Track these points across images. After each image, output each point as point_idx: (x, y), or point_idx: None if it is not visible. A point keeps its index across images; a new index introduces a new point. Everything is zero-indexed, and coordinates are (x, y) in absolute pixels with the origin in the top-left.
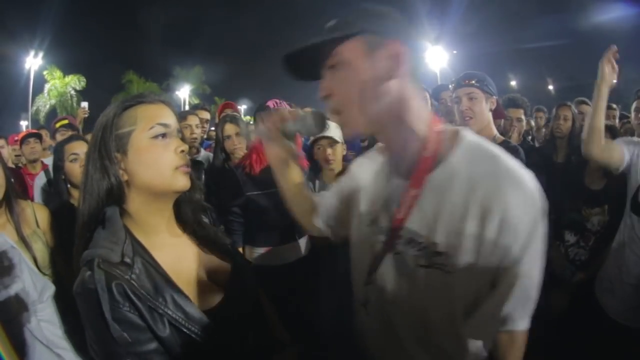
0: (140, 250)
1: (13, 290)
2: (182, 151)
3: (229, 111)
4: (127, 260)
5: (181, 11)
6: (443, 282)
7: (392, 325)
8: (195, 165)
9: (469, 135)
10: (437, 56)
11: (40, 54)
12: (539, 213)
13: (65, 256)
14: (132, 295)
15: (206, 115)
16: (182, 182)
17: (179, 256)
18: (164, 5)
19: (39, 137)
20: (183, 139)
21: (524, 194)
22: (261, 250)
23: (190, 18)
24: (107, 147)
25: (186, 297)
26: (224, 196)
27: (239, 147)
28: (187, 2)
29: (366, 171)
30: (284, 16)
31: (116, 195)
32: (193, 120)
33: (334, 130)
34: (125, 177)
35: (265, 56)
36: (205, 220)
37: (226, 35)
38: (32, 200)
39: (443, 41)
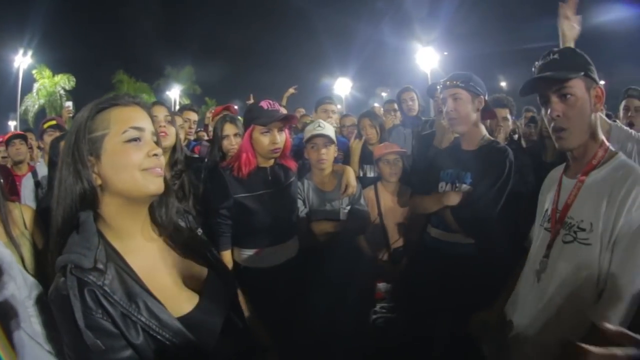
0: (113, 255)
1: (9, 290)
2: (155, 155)
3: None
4: (100, 266)
5: (173, 11)
6: (583, 254)
7: (550, 293)
8: (194, 162)
9: (621, 155)
10: (428, 57)
11: (30, 53)
12: None
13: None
14: (104, 302)
15: (193, 116)
16: (155, 186)
17: (154, 261)
18: (155, 4)
19: (24, 138)
20: (157, 143)
21: None
22: (249, 252)
23: (181, 18)
24: (80, 150)
25: (160, 303)
26: (212, 198)
27: (236, 148)
28: (178, 2)
29: (547, 184)
30: (276, 19)
31: (90, 200)
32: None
33: (329, 129)
34: (99, 182)
35: (257, 58)
36: (182, 224)
37: (218, 36)
38: (20, 201)
39: (434, 42)
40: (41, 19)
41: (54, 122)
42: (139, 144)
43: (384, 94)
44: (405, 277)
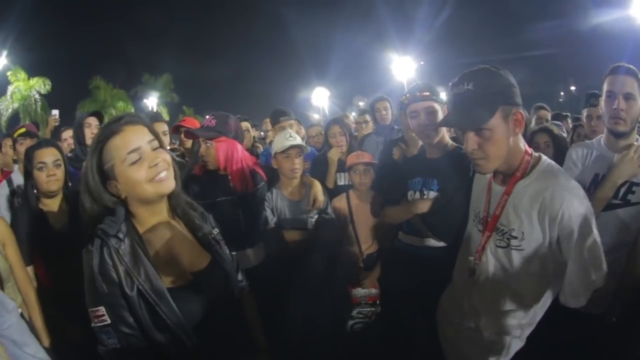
0: (132, 231)
1: None
2: (156, 164)
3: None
4: (120, 235)
5: (152, 17)
6: (516, 259)
7: (485, 292)
8: None
9: (545, 160)
10: (404, 67)
11: (4, 53)
12: (589, 210)
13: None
14: (115, 259)
15: (163, 127)
16: (165, 188)
17: (163, 239)
18: (134, 9)
19: None
20: (161, 144)
21: (576, 196)
22: None
23: (160, 26)
24: (98, 176)
25: (156, 272)
26: None
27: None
28: (157, 8)
29: (478, 182)
30: (255, 29)
31: (120, 203)
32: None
33: (299, 139)
34: (124, 195)
35: (234, 68)
36: (195, 215)
37: (196, 45)
38: None
39: (411, 52)
40: (16, 19)
41: (23, 130)
42: (140, 162)
43: (361, 103)
44: (380, 282)
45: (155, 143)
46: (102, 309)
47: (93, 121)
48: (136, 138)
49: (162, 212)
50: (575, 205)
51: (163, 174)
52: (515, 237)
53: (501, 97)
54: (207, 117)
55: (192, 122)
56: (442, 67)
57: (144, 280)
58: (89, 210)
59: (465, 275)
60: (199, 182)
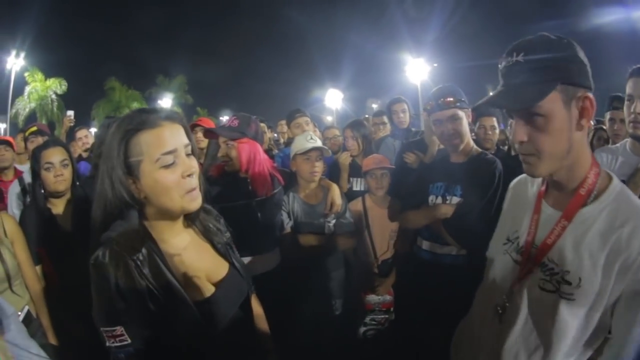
0: (149, 241)
1: None
2: (190, 175)
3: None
4: (137, 245)
5: (166, 21)
6: (561, 307)
7: (513, 339)
8: None
9: (617, 182)
10: (418, 69)
11: (22, 54)
12: None
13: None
14: (134, 273)
15: None
16: (194, 205)
17: (183, 251)
18: (150, 11)
19: (9, 144)
20: (193, 152)
21: None
22: None
23: (175, 28)
24: (118, 171)
25: (179, 285)
26: None
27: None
28: (173, 10)
29: (518, 195)
30: (269, 31)
31: (134, 205)
32: None
33: (320, 142)
34: (143, 195)
35: (248, 69)
36: (211, 220)
37: (210, 47)
38: (6, 208)
39: (424, 54)
40: (34, 21)
41: (34, 128)
42: (173, 167)
43: (374, 106)
44: (395, 289)
45: (189, 148)
46: (120, 329)
47: None
48: (174, 139)
49: (178, 219)
50: None
51: (195, 189)
52: (569, 283)
53: (561, 72)
54: (230, 117)
55: (208, 122)
56: (455, 70)
57: (167, 296)
58: (105, 208)
59: (490, 313)
60: (217, 184)
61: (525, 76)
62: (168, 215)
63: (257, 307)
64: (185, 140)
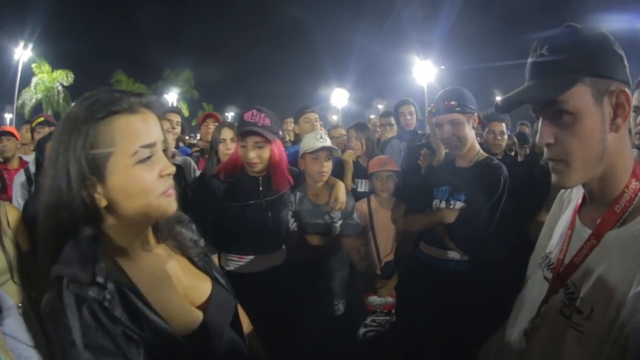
0: (114, 268)
1: None
2: (168, 174)
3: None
4: (100, 280)
5: (174, 14)
6: (570, 341)
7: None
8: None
9: None
10: (425, 71)
11: (30, 46)
12: None
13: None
14: (104, 319)
15: (176, 117)
16: (171, 207)
17: (157, 274)
18: (158, 5)
19: (11, 134)
20: (166, 151)
21: None
22: (233, 258)
23: (182, 22)
24: (77, 169)
25: (162, 321)
26: (200, 204)
27: (231, 152)
28: (181, 5)
29: (562, 205)
30: (276, 28)
31: (90, 218)
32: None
33: (329, 141)
34: (104, 203)
35: (255, 66)
36: (185, 231)
37: (217, 42)
38: (11, 198)
39: (431, 56)
40: (42, 12)
41: (42, 119)
42: (150, 163)
43: (380, 106)
44: (397, 292)
45: (164, 144)
46: None
47: (174, 117)
48: (154, 130)
49: (145, 232)
50: None
51: (172, 190)
52: (580, 312)
53: (590, 64)
54: (255, 112)
55: (217, 117)
56: (462, 72)
57: (149, 337)
58: (56, 222)
59: (518, 332)
60: (227, 182)
61: (550, 69)
62: (137, 227)
63: (244, 318)
64: (162, 135)
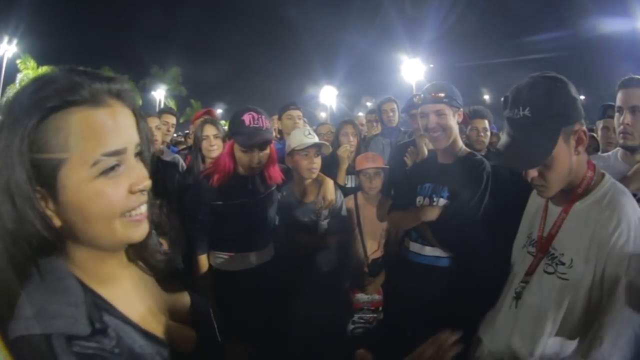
0: (104, 305)
1: None
2: (140, 190)
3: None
4: (98, 325)
5: (163, 9)
6: (559, 288)
7: (527, 319)
8: (167, 166)
9: (609, 179)
10: (414, 69)
11: (15, 41)
12: None
13: None
14: None
15: (172, 119)
16: (139, 233)
17: (140, 300)
18: (146, 1)
19: None
20: (142, 153)
21: (637, 225)
22: (222, 256)
23: (170, 18)
24: (21, 175)
25: (166, 345)
26: (189, 204)
27: (215, 149)
28: (170, 2)
29: (534, 200)
30: (264, 26)
31: (50, 246)
32: (152, 123)
33: (317, 139)
34: (58, 223)
35: (243, 63)
36: (159, 253)
37: (205, 39)
38: None
39: (420, 54)
40: (28, 7)
41: None
42: (116, 175)
43: (368, 104)
44: (384, 289)
45: (139, 148)
46: None
47: (170, 119)
48: (125, 131)
49: (117, 256)
50: (633, 235)
51: (143, 208)
52: (563, 264)
53: (564, 118)
54: (255, 116)
55: (214, 115)
56: (451, 70)
57: None
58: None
59: (508, 301)
60: (218, 182)
61: (533, 131)
62: (100, 252)
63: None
64: (137, 137)
